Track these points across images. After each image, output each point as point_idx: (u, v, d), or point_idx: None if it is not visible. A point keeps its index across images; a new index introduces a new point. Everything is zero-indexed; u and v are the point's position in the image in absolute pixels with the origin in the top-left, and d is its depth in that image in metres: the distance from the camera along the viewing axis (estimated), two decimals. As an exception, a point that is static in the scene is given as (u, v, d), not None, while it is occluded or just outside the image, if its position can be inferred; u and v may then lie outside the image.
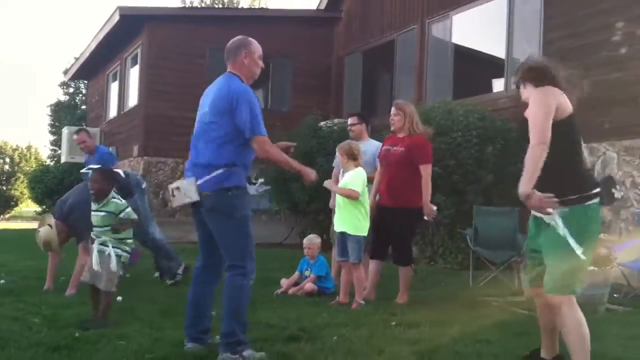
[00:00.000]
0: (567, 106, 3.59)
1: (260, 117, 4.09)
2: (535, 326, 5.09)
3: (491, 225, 8.17)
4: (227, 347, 3.99)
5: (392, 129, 6.70)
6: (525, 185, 3.41)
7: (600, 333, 5.03)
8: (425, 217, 6.34)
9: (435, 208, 6.38)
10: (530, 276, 3.89)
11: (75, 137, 8.16)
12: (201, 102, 4.30)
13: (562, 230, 3.48)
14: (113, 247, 5.10)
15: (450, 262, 9.56)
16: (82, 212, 5.87)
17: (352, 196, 6.08)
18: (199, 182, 4.04)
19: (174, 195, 4.14)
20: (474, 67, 12.85)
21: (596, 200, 3.56)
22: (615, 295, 6.73)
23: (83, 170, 7.47)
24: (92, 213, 5.20)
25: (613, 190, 3.65)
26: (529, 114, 3.58)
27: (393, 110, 6.65)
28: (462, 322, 5.28)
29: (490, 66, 12.10)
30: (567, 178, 3.55)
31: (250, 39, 4.35)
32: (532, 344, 4.50)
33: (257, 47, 4.30)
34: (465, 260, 8.69)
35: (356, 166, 6.21)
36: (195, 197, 4.04)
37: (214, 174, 4.02)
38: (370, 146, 7.11)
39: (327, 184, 6.43)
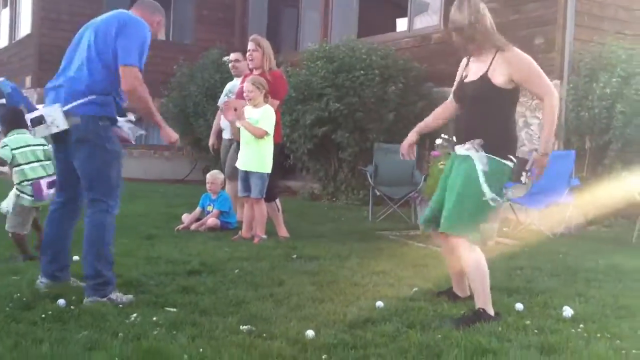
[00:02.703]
0: None
1: (144, 53, 3.82)
2: (428, 258, 5.36)
3: (390, 162, 8.33)
4: (95, 290, 3.75)
5: (249, 66, 6.51)
6: (550, 142, 3.49)
7: (489, 265, 5.31)
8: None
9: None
10: (425, 217, 3.92)
11: None
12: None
13: (480, 168, 3.54)
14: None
15: (351, 199, 9.75)
16: None
17: (257, 134, 6.00)
18: (69, 105, 3.75)
19: (35, 126, 3.79)
20: (378, 6, 12.87)
21: (510, 164, 3.59)
22: (504, 229, 7.11)
23: None
24: None
25: (522, 172, 3.61)
26: (522, 70, 3.53)
27: (251, 45, 6.39)
28: (360, 255, 5.45)
29: (395, 5, 12.16)
30: (502, 138, 3.57)
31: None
32: (427, 274, 4.73)
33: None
34: (366, 196, 8.89)
35: (266, 102, 6.10)
36: (63, 124, 3.73)
37: (89, 98, 3.75)
38: None
39: (231, 117, 6.21)
